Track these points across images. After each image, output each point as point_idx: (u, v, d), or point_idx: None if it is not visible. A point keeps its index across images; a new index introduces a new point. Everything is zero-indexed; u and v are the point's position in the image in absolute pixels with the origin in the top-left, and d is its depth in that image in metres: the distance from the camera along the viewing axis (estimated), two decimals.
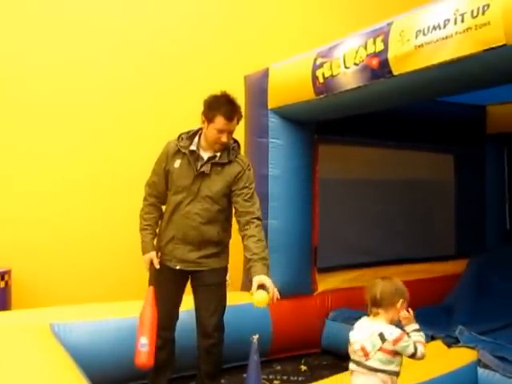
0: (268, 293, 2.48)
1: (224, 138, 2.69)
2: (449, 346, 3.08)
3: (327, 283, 4.12)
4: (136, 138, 4.26)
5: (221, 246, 2.87)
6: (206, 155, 2.76)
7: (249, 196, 2.77)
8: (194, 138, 2.80)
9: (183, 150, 2.77)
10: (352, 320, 3.73)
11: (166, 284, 2.83)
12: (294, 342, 3.83)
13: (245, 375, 2.67)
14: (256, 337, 2.40)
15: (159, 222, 2.93)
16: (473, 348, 2.98)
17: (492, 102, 5.03)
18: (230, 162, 2.78)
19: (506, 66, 2.51)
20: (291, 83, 3.60)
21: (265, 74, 3.81)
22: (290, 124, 3.85)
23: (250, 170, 2.84)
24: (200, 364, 2.94)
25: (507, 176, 5.42)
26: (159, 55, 4.42)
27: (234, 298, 3.65)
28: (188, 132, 2.83)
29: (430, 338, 3.19)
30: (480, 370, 2.82)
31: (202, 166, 2.74)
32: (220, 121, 2.66)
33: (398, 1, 4.25)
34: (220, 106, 2.67)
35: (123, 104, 4.28)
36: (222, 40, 4.67)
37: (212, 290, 2.85)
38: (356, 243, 4.45)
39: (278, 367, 3.66)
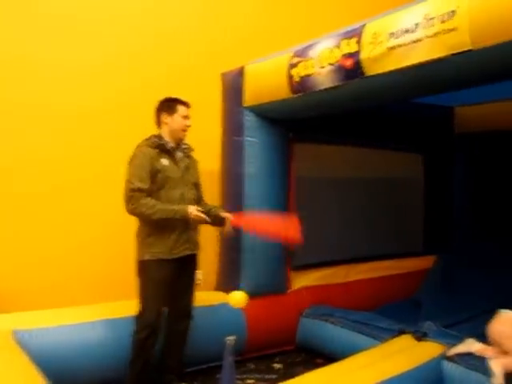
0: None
1: (189, 122, 3.14)
2: (418, 340, 3.16)
3: (302, 281, 4.16)
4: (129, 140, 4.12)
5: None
6: (176, 150, 3.14)
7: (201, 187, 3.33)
8: (162, 139, 3.08)
9: (168, 148, 3.07)
10: (326, 316, 3.86)
11: (166, 279, 3.00)
12: (268, 341, 3.86)
13: (218, 376, 2.70)
14: (231, 338, 2.44)
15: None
16: (440, 342, 3.06)
17: (460, 104, 5.16)
18: (190, 155, 3.25)
19: (472, 70, 2.60)
20: (267, 82, 3.63)
21: (240, 72, 3.83)
22: (266, 122, 3.88)
23: None
24: (171, 358, 3.15)
25: (474, 176, 5.53)
26: (136, 53, 4.37)
27: (208, 298, 3.68)
28: (150, 137, 3.08)
29: (400, 333, 3.30)
30: (445, 364, 2.90)
31: (181, 159, 3.14)
32: (182, 108, 3.13)
33: (372, 2, 4.33)
34: (173, 100, 3.15)
35: (105, 106, 4.18)
36: (200, 37, 4.64)
37: (194, 273, 3.23)
38: (330, 241, 4.50)
39: (252, 366, 3.68)
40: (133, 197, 2.90)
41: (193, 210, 2.96)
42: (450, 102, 5.08)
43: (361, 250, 4.70)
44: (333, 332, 3.70)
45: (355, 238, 4.68)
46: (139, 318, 2.98)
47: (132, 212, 2.94)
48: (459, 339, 3.05)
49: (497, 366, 2.61)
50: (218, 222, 3.17)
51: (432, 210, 5.34)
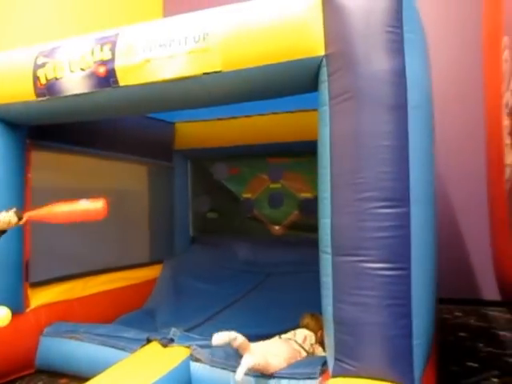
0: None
1: None
2: (164, 346, 3.25)
3: (41, 298, 3.83)
4: None
5: None
6: None
7: None
8: None
9: None
10: (68, 333, 3.63)
11: None
12: (3, 367, 3.43)
13: None
14: None
15: None
16: (185, 345, 3.21)
17: (180, 120, 5.50)
18: None
19: (222, 90, 2.84)
20: (8, 81, 3.27)
21: None
22: (1, 126, 3.49)
23: None
24: None
25: (190, 188, 6.06)
26: None
27: None
28: None
29: (146, 341, 3.35)
30: (192, 365, 3.05)
31: None
32: None
33: (132, 11, 4.27)
34: None
35: None
36: None
37: None
38: (68, 254, 4.24)
39: None
40: None
41: None
42: (172, 118, 5.38)
43: (94, 263, 4.55)
44: (78, 349, 3.51)
45: (88, 251, 4.51)
46: None
47: None
48: (202, 340, 3.24)
49: (249, 360, 2.59)
50: None
51: (156, 221, 5.51)
